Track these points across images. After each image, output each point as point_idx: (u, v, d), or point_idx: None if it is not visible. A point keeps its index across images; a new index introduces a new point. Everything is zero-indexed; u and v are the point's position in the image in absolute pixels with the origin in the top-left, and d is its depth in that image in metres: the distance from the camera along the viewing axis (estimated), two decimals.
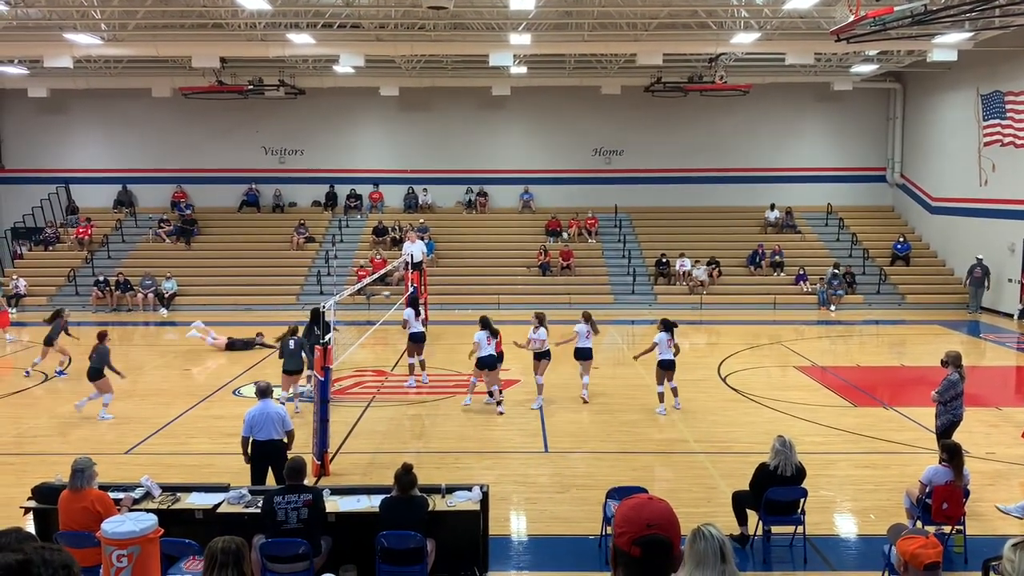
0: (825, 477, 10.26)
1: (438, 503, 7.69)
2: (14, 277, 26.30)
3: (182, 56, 24.13)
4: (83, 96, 29.03)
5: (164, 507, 7.58)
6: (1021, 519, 9.12)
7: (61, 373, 16.41)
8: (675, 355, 13.51)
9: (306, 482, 7.67)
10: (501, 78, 27.28)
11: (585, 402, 14.30)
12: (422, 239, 24.67)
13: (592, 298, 24.25)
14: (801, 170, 30.59)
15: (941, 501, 8.06)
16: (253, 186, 30.75)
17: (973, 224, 25.71)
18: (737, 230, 29.26)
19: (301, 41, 21.85)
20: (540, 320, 14.04)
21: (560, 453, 11.67)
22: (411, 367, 15.61)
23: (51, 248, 28.82)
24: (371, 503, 7.64)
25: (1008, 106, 23.67)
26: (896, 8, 15.43)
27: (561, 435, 12.47)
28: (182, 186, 30.72)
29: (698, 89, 26.77)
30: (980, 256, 24.39)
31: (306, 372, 13.91)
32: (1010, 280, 23.92)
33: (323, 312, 11.01)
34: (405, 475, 7.35)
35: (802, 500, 8.20)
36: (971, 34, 21.03)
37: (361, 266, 26.25)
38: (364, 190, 30.93)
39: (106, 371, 13.35)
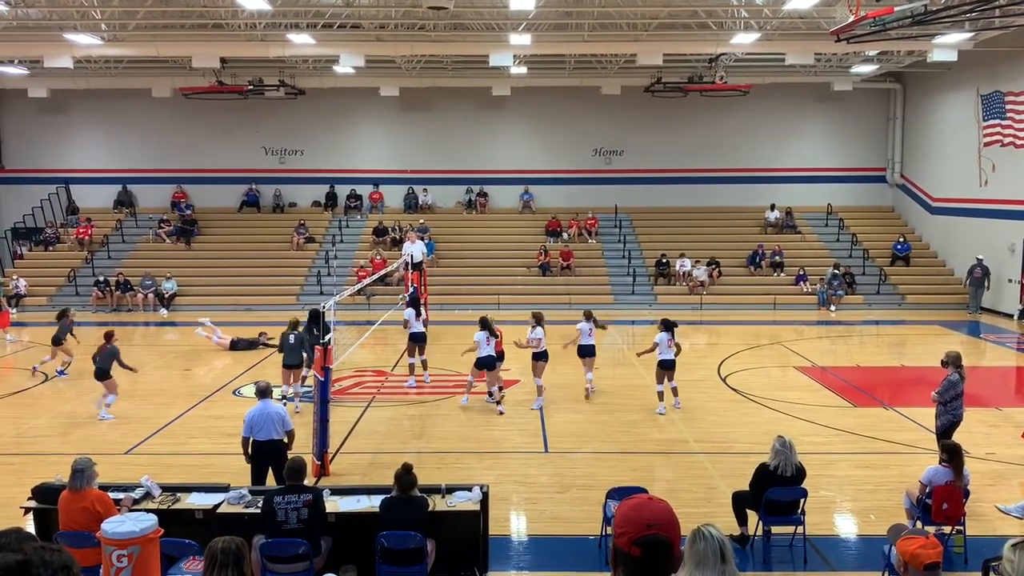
0: (825, 477, 10.26)
1: (438, 503, 7.69)
2: (14, 277, 26.30)
3: (182, 56, 24.13)
4: (83, 96, 29.04)
5: (164, 507, 7.58)
6: (1021, 519, 9.12)
7: (61, 373, 16.40)
8: (676, 355, 13.54)
9: (306, 482, 7.67)
10: (501, 78, 27.29)
11: (588, 396, 14.50)
12: (422, 239, 24.67)
13: (592, 298, 24.24)
14: (801, 170, 30.60)
15: (941, 501, 8.06)
16: (253, 186, 30.76)
17: (973, 224, 25.71)
18: (737, 230, 29.26)
19: (301, 41, 21.86)
20: (538, 320, 14.05)
21: (560, 453, 11.67)
22: (411, 367, 15.61)
23: (51, 248, 28.82)
24: (371, 503, 7.64)
25: (1008, 106, 23.67)
26: (896, 8, 15.44)
27: (561, 435, 12.47)
28: (182, 186, 30.73)
29: (698, 89, 26.77)
30: (980, 256, 24.39)
31: (303, 372, 13.97)
32: (1010, 280, 23.93)
33: (323, 312, 11.02)
34: (405, 475, 7.35)
35: (802, 500, 8.20)
36: (971, 34, 21.03)
37: (361, 266, 26.25)
38: (364, 190, 30.93)
39: (115, 370, 13.46)
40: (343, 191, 30.83)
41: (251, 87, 26.51)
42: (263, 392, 9.44)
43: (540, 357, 13.91)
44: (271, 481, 9.01)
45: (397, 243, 27.29)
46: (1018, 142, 23.35)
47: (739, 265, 27.62)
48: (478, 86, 28.13)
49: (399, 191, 30.94)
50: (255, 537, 7.06)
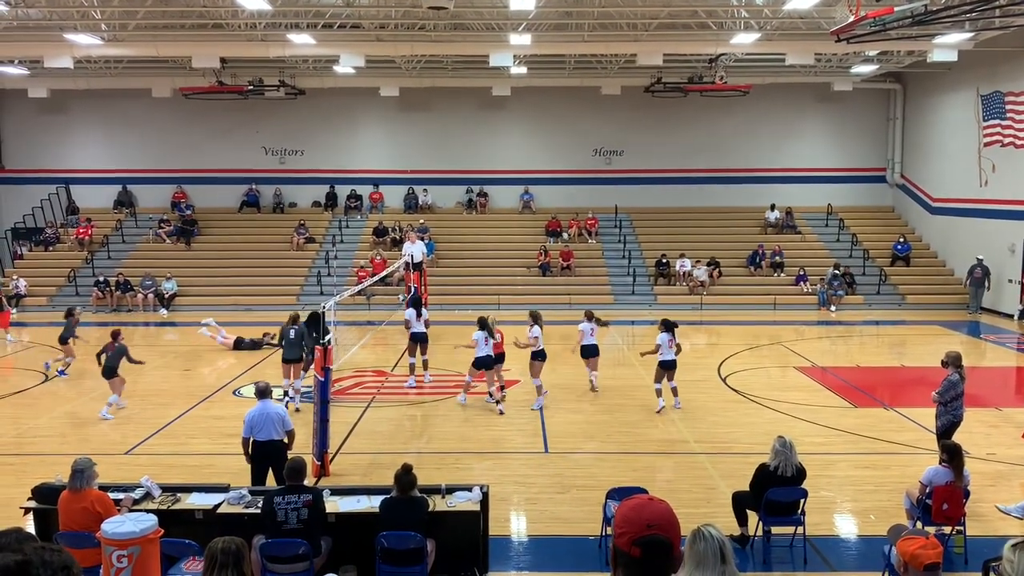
0: (825, 478, 10.26)
1: (438, 503, 7.69)
2: (14, 277, 26.31)
3: (182, 56, 24.13)
4: (83, 96, 29.04)
5: (164, 507, 7.58)
6: (1021, 519, 9.12)
7: (62, 373, 16.40)
8: (676, 354, 13.57)
9: (306, 482, 7.67)
10: (501, 78, 27.29)
11: (594, 389, 14.77)
12: (422, 239, 24.68)
13: (592, 298, 24.23)
14: (801, 170, 30.60)
15: (941, 502, 8.06)
16: (253, 186, 30.76)
17: (973, 224, 25.72)
18: (737, 230, 29.26)
19: (301, 41, 21.86)
20: (535, 318, 14.07)
21: (560, 453, 11.67)
22: (411, 367, 15.62)
23: (51, 248, 28.82)
24: (371, 503, 7.64)
25: (1008, 107, 23.67)
26: (896, 8, 15.44)
27: (561, 435, 12.47)
28: (182, 186, 30.74)
29: (698, 89, 26.77)
30: (980, 256, 24.39)
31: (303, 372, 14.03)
32: (1010, 281, 23.92)
33: (323, 312, 11.02)
34: (405, 475, 7.35)
35: (802, 501, 8.20)
36: (971, 34, 21.04)
37: (361, 267, 26.26)
38: (364, 190, 30.94)
39: (123, 366, 13.61)
40: (343, 191, 30.84)
41: (251, 87, 26.51)
42: (263, 392, 9.44)
43: (538, 356, 13.93)
44: (271, 481, 9.01)
45: (397, 243, 27.29)
46: (1018, 142, 23.35)
47: (739, 265, 27.62)
48: (478, 86, 28.13)
49: (399, 191, 30.94)
50: (255, 537, 7.06)
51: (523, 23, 21.04)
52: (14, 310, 24.02)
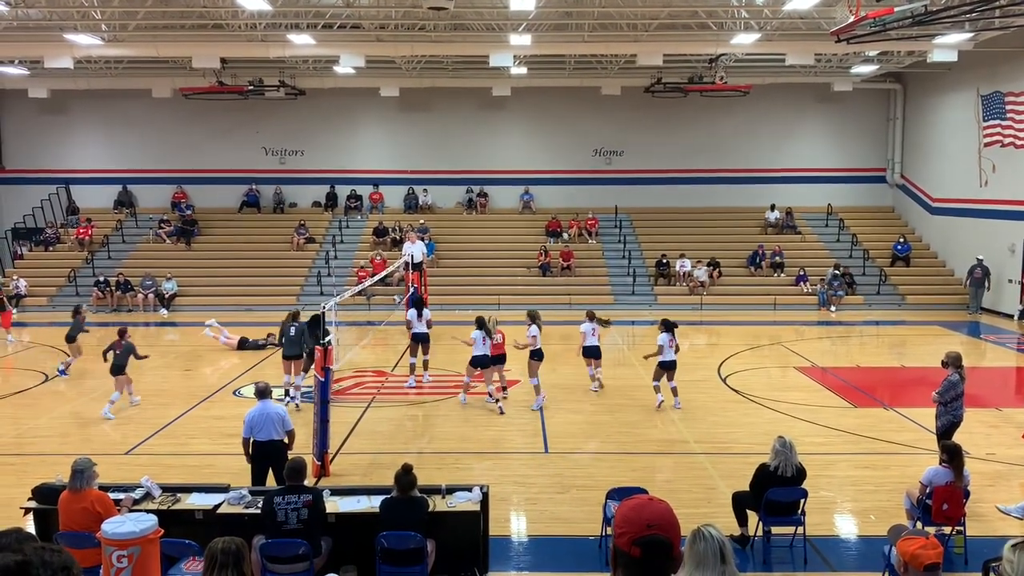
0: (825, 478, 10.26)
1: (438, 504, 7.69)
2: (14, 277, 26.32)
3: (182, 57, 24.13)
4: (83, 96, 29.04)
5: (164, 508, 7.58)
6: (1021, 520, 9.12)
7: (63, 373, 16.40)
8: (675, 353, 13.65)
9: (306, 483, 7.67)
10: (501, 79, 27.29)
11: (601, 385, 14.95)
12: (422, 240, 24.68)
13: (592, 299, 24.24)
14: (801, 171, 30.60)
15: (941, 502, 8.06)
16: (253, 187, 30.76)
17: (973, 225, 25.72)
18: (737, 231, 29.27)
19: (301, 42, 21.86)
20: (532, 318, 14.06)
21: (560, 454, 11.67)
22: (411, 367, 15.64)
23: (51, 248, 28.83)
24: (371, 504, 7.64)
25: (1008, 107, 23.67)
26: (896, 9, 15.45)
27: (561, 435, 12.48)
28: (182, 186, 30.74)
29: (698, 90, 26.77)
30: (980, 257, 24.39)
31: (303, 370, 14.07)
32: (1010, 281, 23.92)
33: (323, 312, 11.02)
34: (405, 476, 7.35)
35: (802, 501, 8.20)
36: (971, 35, 21.03)
37: (361, 267, 26.26)
38: (364, 191, 30.94)
39: (130, 364, 13.77)
40: (343, 191, 30.84)
41: (251, 87, 26.51)
42: (262, 393, 9.44)
43: (535, 356, 13.92)
44: (271, 482, 9.01)
45: (397, 243, 27.29)
46: (1018, 142, 23.36)
47: (739, 265, 27.62)
48: (478, 86, 28.13)
49: (399, 191, 30.94)
50: (255, 537, 7.06)
51: (523, 23, 21.04)
52: (14, 310, 24.01)
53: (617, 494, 8.14)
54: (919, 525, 8.09)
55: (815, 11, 19.32)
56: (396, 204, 30.90)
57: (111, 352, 13.87)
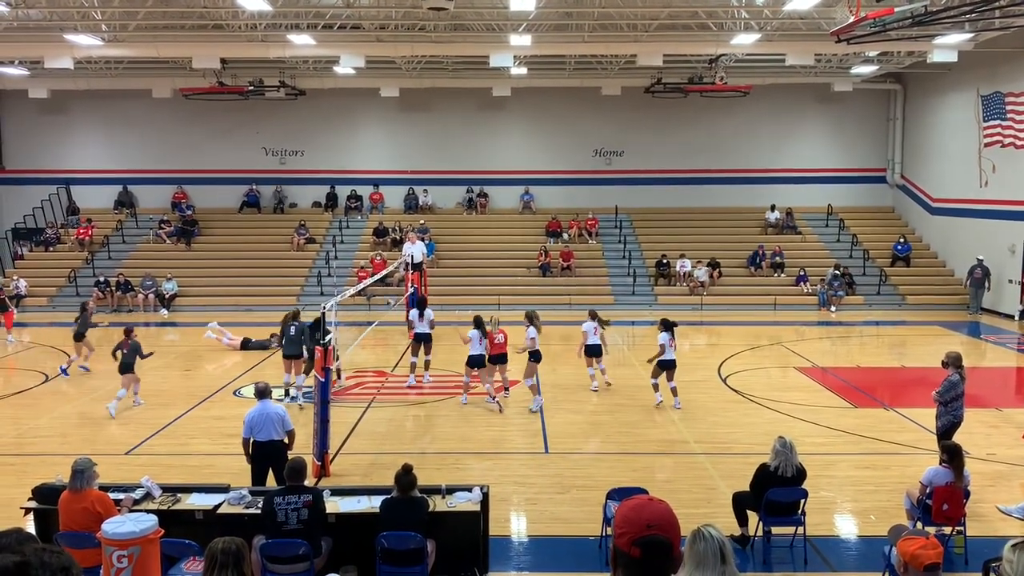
0: (825, 478, 10.26)
1: (438, 504, 7.69)
2: (15, 278, 26.32)
3: (183, 57, 24.13)
4: (84, 97, 29.05)
5: (164, 508, 7.58)
6: (1022, 520, 9.12)
7: (64, 372, 16.43)
8: (674, 352, 13.71)
9: (306, 483, 7.67)
10: (501, 79, 27.29)
11: (609, 384, 15.13)
12: (422, 240, 24.69)
13: (592, 299, 24.23)
14: (801, 171, 30.61)
15: (941, 502, 8.06)
16: (254, 187, 30.77)
17: (973, 225, 25.72)
18: (737, 231, 29.27)
19: (301, 42, 21.86)
20: (530, 319, 14.04)
21: (560, 454, 11.67)
22: (412, 366, 15.67)
23: (52, 249, 28.83)
24: (371, 504, 7.64)
25: (1008, 107, 23.67)
26: (896, 9, 15.45)
27: (561, 436, 12.48)
28: (183, 187, 30.75)
29: (698, 90, 26.77)
30: (980, 257, 24.38)
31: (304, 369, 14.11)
32: (1010, 281, 23.92)
33: (323, 313, 11.02)
34: (405, 476, 7.35)
35: (802, 501, 8.20)
36: (971, 35, 21.03)
37: (361, 267, 26.27)
38: (364, 191, 30.95)
39: (136, 363, 13.92)
40: (343, 192, 30.84)
41: (251, 88, 26.52)
42: (262, 393, 9.44)
43: (533, 357, 13.88)
44: (271, 482, 9.01)
45: (397, 244, 27.29)
46: (1018, 143, 23.35)
47: (739, 266, 27.62)
48: (478, 87, 28.14)
49: (399, 192, 30.95)
50: (255, 538, 7.06)
51: (523, 24, 21.04)
52: (15, 311, 24.01)
53: (617, 494, 8.14)
54: (919, 525, 8.09)
55: (815, 11, 19.32)
56: (396, 204, 30.90)
57: (119, 351, 14.00)
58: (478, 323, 13.99)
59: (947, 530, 8.17)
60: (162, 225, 29.30)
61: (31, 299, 25.68)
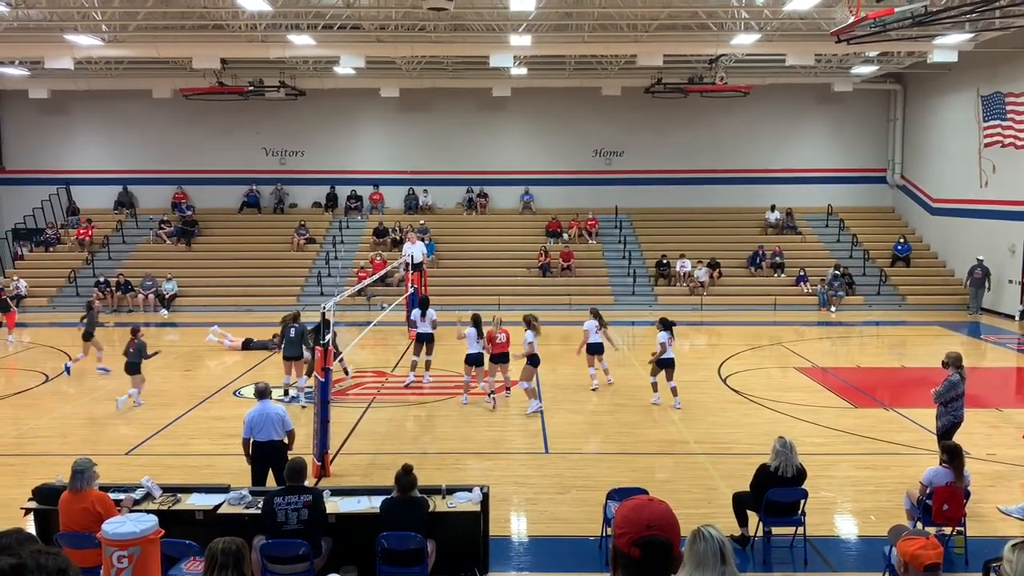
0: (826, 478, 10.26)
1: (438, 504, 7.69)
2: (15, 278, 26.32)
3: (183, 57, 24.14)
4: (84, 97, 29.06)
5: (164, 508, 7.58)
6: (1022, 520, 9.12)
7: (67, 369, 16.48)
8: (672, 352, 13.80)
9: (306, 483, 7.67)
10: (501, 79, 27.29)
11: (611, 381, 15.29)
12: (422, 240, 24.68)
13: (592, 299, 24.19)
14: (801, 171, 30.61)
15: (942, 502, 8.06)
16: (254, 187, 30.77)
17: (973, 225, 25.72)
18: (737, 231, 29.27)
19: (302, 42, 21.87)
20: (528, 323, 13.98)
21: (560, 454, 11.67)
22: (413, 364, 15.71)
23: (52, 249, 28.83)
24: (371, 504, 7.64)
25: (1008, 107, 23.67)
26: (896, 9, 15.46)
27: (561, 436, 12.48)
28: (183, 187, 30.75)
29: (698, 90, 26.77)
30: (980, 257, 24.38)
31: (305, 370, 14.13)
32: (1011, 281, 23.92)
33: (324, 313, 11.02)
34: (405, 476, 7.35)
35: (803, 501, 8.20)
36: (971, 35, 21.02)
37: (361, 267, 26.27)
38: (364, 191, 30.95)
39: (143, 363, 14.06)
40: (343, 192, 30.85)
41: (251, 88, 26.52)
42: (262, 393, 9.44)
43: (530, 361, 13.79)
44: (272, 482, 9.01)
45: (397, 244, 27.30)
46: (1018, 143, 23.35)
47: (739, 266, 27.62)
48: (478, 87, 28.14)
49: (399, 192, 30.95)
50: (255, 538, 7.07)
51: (523, 24, 21.04)
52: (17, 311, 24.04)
53: (617, 494, 8.14)
54: (919, 525, 8.09)
55: (815, 12, 19.32)
56: (396, 204, 30.90)
57: (129, 350, 14.16)
58: (476, 322, 14.03)
59: (947, 530, 8.17)
60: (162, 225, 29.31)
61: (31, 299, 25.68)
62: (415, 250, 21.61)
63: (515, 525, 9.21)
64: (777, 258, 27.43)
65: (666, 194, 30.41)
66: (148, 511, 7.09)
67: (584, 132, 30.44)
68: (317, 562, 7.10)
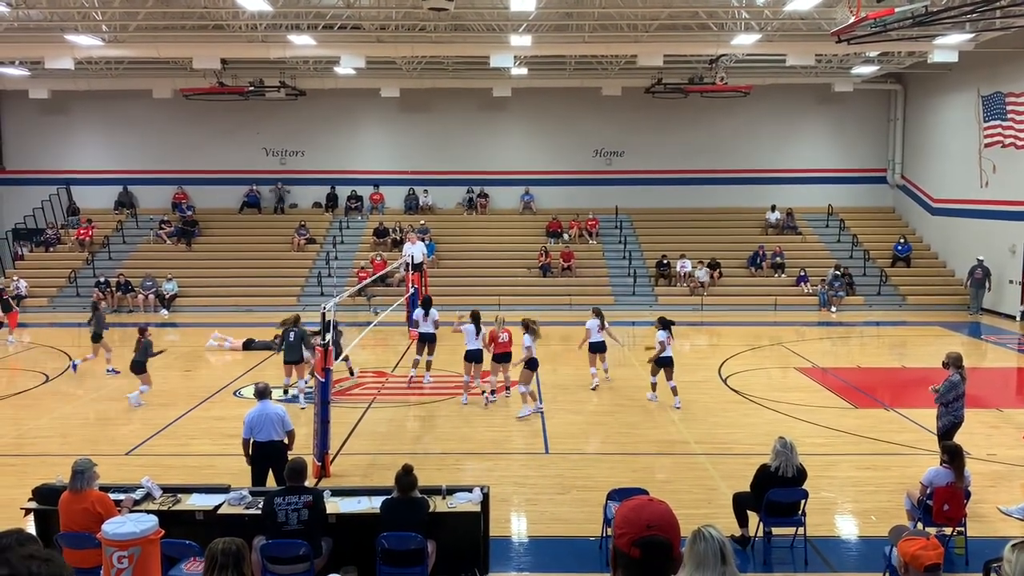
0: (826, 478, 10.26)
1: (439, 504, 7.69)
2: (15, 278, 26.32)
3: (183, 57, 24.14)
4: (84, 97, 29.06)
5: (165, 508, 7.57)
6: (1022, 520, 9.12)
7: (74, 367, 16.58)
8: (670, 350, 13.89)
9: (307, 483, 7.67)
10: (502, 79, 27.29)
11: (609, 379, 15.46)
12: (422, 240, 24.67)
13: (593, 299, 24.18)
14: (802, 171, 30.60)
15: (942, 502, 8.06)
16: (254, 187, 30.77)
17: (974, 225, 25.71)
18: (738, 231, 29.26)
19: (302, 42, 21.87)
20: (526, 327, 13.90)
21: (561, 454, 11.67)
22: (415, 362, 15.75)
23: (52, 249, 28.83)
24: (372, 504, 7.64)
25: (1009, 107, 23.67)
26: (897, 9, 15.45)
27: (562, 436, 12.48)
28: (183, 187, 30.75)
29: (699, 90, 26.77)
30: (981, 257, 24.38)
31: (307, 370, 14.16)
32: (1011, 281, 23.91)
33: (324, 313, 11.03)
34: (405, 476, 7.35)
35: (803, 501, 8.19)
36: (972, 35, 21.02)
37: (362, 267, 26.27)
38: (365, 191, 30.95)
39: (149, 362, 14.18)
40: (344, 192, 30.84)
41: (252, 88, 26.52)
42: (262, 393, 9.43)
43: (529, 365, 13.73)
44: (272, 482, 9.01)
45: (398, 244, 27.30)
46: (1019, 143, 23.35)
47: (740, 266, 27.61)
48: (479, 87, 28.14)
49: (400, 192, 30.95)
50: (255, 538, 7.06)
51: (523, 24, 21.04)
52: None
53: (617, 495, 8.14)
54: (920, 526, 8.09)
55: (815, 12, 19.31)
56: (396, 205, 30.90)
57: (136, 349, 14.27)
58: (475, 318, 14.08)
59: (948, 531, 8.17)
60: (162, 225, 29.31)
61: (31, 300, 25.68)
62: (415, 250, 21.61)
63: (515, 525, 9.21)
64: (777, 258, 27.43)
65: (666, 194, 30.41)
66: (148, 511, 7.09)
67: (584, 132, 30.44)
68: (317, 562, 7.10)
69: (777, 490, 8.10)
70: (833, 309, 25.31)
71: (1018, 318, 23.39)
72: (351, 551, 7.49)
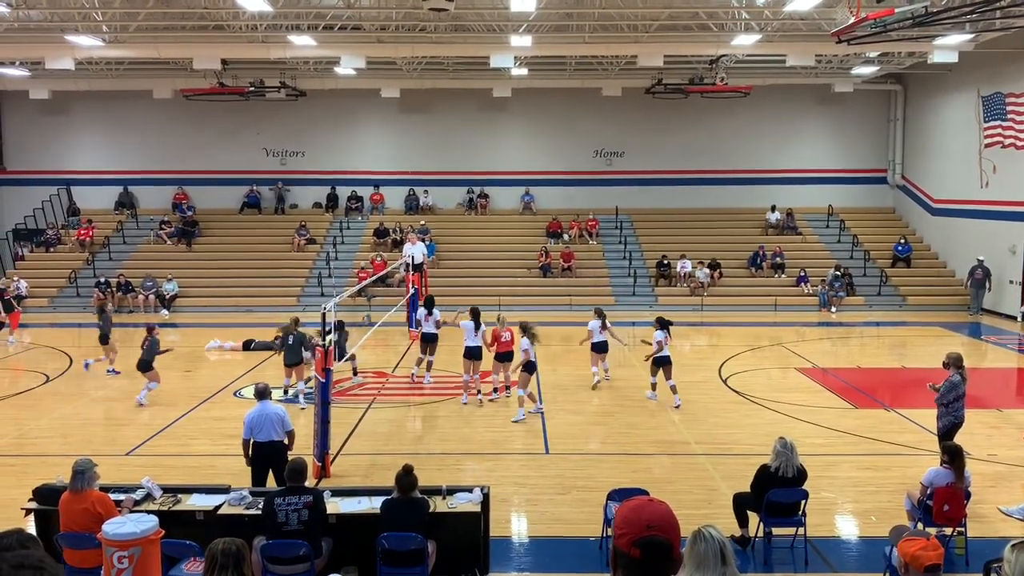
0: (826, 479, 10.25)
1: (439, 504, 7.69)
2: (15, 279, 26.30)
3: (183, 58, 24.15)
4: (84, 98, 29.06)
5: (165, 508, 7.58)
6: (1022, 521, 9.11)
7: (87, 365, 16.67)
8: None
9: (307, 483, 7.67)
10: (502, 80, 27.30)
11: (608, 378, 15.54)
12: (423, 241, 24.66)
13: (593, 300, 24.16)
14: (802, 172, 30.60)
15: (942, 503, 8.06)
16: (254, 187, 30.77)
17: (974, 226, 25.71)
18: (738, 232, 29.26)
19: (302, 43, 21.87)
20: (524, 330, 13.83)
21: (561, 455, 11.67)
22: (418, 361, 15.79)
23: (52, 250, 28.83)
24: (372, 505, 7.64)
25: (1009, 108, 23.67)
26: (897, 10, 15.45)
27: (562, 437, 12.48)
28: (183, 188, 30.75)
29: (699, 91, 26.77)
30: (981, 258, 24.37)
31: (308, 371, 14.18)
32: (1011, 282, 23.91)
33: (324, 313, 11.03)
34: (406, 476, 7.35)
35: (803, 502, 8.19)
36: (972, 36, 21.02)
37: (362, 268, 26.27)
38: (365, 192, 30.95)
39: (155, 360, 14.28)
40: (344, 192, 30.84)
41: (252, 89, 26.52)
42: (262, 393, 9.44)
43: (527, 368, 13.68)
44: (272, 483, 9.01)
45: (398, 244, 27.30)
46: (1019, 143, 23.35)
47: (740, 266, 27.62)
48: (479, 87, 28.14)
49: (400, 192, 30.95)
50: (256, 538, 7.06)
51: (524, 24, 21.03)
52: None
53: (617, 495, 8.14)
54: (920, 526, 8.09)
55: (816, 12, 19.31)
56: (397, 205, 30.90)
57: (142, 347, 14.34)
58: (474, 315, 14.11)
59: (948, 531, 8.17)
60: (163, 226, 29.31)
61: (32, 300, 25.65)
62: (415, 251, 21.59)
63: (515, 526, 9.21)
64: (778, 258, 27.43)
65: (667, 195, 30.41)
66: (148, 511, 7.09)
67: (584, 133, 30.44)
68: (317, 563, 7.10)
69: (777, 490, 8.10)
70: (833, 309, 25.31)
71: (1018, 318, 23.38)
72: (351, 551, 7.49)
